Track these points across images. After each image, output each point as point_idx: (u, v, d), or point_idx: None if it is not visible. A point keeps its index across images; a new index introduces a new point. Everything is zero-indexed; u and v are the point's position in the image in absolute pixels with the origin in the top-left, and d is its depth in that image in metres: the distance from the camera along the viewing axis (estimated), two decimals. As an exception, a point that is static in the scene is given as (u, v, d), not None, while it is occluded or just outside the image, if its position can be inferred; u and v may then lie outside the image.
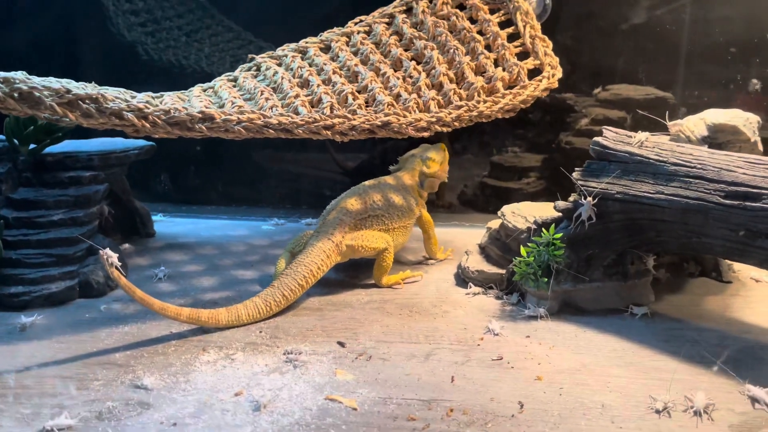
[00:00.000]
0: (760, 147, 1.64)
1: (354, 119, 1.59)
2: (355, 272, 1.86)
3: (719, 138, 1.56)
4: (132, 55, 2.67)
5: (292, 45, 1.95)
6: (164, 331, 1.47)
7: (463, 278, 1.79)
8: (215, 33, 2.88)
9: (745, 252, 1.35)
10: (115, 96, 1.37)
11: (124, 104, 1.33)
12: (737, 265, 1.81)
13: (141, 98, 1.54)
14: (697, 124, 1.58)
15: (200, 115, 1.40)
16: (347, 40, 1.95)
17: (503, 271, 1.72)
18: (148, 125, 1.36)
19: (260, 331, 1.47)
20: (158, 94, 1.73)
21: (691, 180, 1.39)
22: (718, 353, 1.36)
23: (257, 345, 1.40)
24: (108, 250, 1.30)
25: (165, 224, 2.34)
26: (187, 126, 1.40)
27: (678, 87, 2.29)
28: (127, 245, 2.06)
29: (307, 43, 1.95)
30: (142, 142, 1.98)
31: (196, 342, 1.41)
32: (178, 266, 1.90)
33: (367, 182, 1.90)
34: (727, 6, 2.16)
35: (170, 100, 1.66)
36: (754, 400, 1.17)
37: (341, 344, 1.41)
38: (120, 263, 1.33)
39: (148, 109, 1.35)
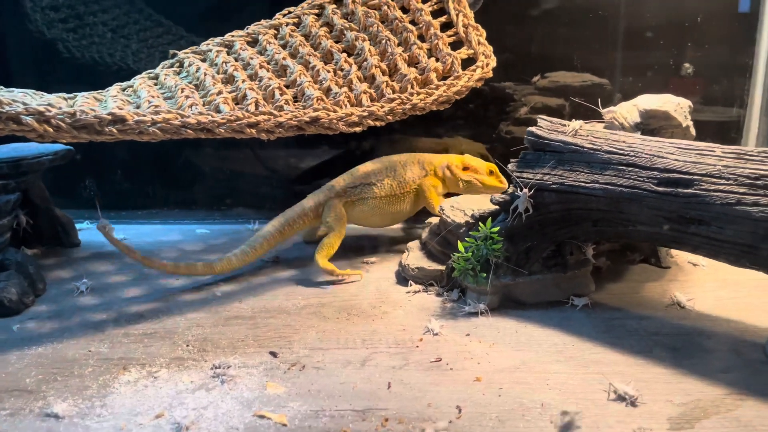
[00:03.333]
0: (693, 131, 1.64)
1: (280, 116, 1.51)
2: (293, 273, 1.79)
3: (651, 124, 1.55)
4: (52, 54, 2.51)
5: (218, 39, 1.85)
6: (82, 350, 1.37)
7: (403, 276, 1.74)
8: (143, 28, 2.74)
9: (680, 239, 1.34)
10: (13, 99, 1.26)
11: (22, 107, 1.22)
12: (675, 251, 1.81)
13: (45, 100, 1.43)
14: (630, 110, 1.57)
15: (110, 117, 1.30)
16: (275, 32, 1.86)
17: (443, 267, 1.67)
18: (51, 129, 1.25)
19: (187, 345, 1.38)
20: (72, 95, 1.62)
21: (624, 168, 1.37)
22: (656, 342, 1.35)
23: (183, 360, 1.32)
24: (104, 220, 1.51)
25: (91, 232, 2.20)
26: (95, 129, 1.29)
27: (614, 73, 2.29)
28: (41, 252, 1.94)
29: (233, 36, 1.85)
30: (57, 147, 1.85)
31: (117, 361, 1.32)
32: (102, 277, 1.79)
33: (394, 157, 1.95)
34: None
35: (82, 101, 1.55)
36: (620, 397, 1.15)
37: (273, 354, 1.34)
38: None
39: (50, 112, 1.25)
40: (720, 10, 2.14)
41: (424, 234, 1.84)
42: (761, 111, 2.15)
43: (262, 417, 1.11)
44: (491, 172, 1.93)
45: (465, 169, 1.93)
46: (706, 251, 1.31)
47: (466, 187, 1.93)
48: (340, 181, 1.89)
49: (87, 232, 2.19)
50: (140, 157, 2.40)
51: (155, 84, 1.71)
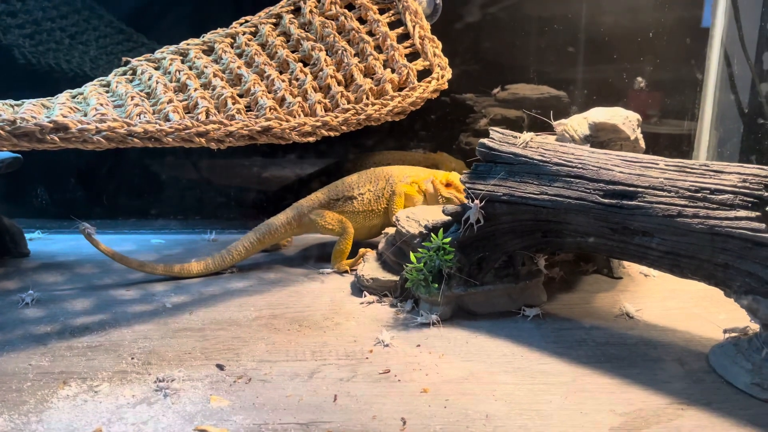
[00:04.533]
0: (642, 144, 1.67)
1: (231, 125, 1.49)
2: (248, 284, 1.77)
3: (601, 137, 1.57)
4: (7, 60, 2.45)
5: (172, 47, 1.83)
6: (23, 363, 1.33)
7: (359, 287, 1.73)
8: (103, 35, 2.70)
9: (626, 250, 1.36)
10: (-51, 106, 1.22)
11: (-42, 115, 1.19)
12: (627, 262, 1.84)
13: (-13, 107, 1.39)
14: (580, 123, 1.59)
15: (51, 125, 1.27)
16: (231, 41, 1.85)
17: (398, 278, 1.67)
18: (-11, 137, 1.22)
19: (132, 358, 1.35)
20: (19, 102, 1.58)
21: (572, 180, 1.39)
22: (603, 352, 1.37)
23: (127, 373, 1.29)
24: (86, 224, 1.64)
25: (42, 242, 2.15)
26: (36, 137, 1.26)
27: (570, 86, 2.32)
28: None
29: (188, 45, 1.83)
30: (5, 154, 1.81)
31: (57, 375, 1.28)
32: (50, 288, 1.74)
33: (378, 169, 1.98)
34: (614, 6, 2.20)
35: (30, 106, 1.52)
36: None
37: (220, 367, 1.31)
38: None
39: (-12, 119, 1.21)
40: (672, 26, 2.19)
41: (381, 244, 1.84)
42: (711, 124, 2.20)
43: (203, 431, 1.09)
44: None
45: (447, 185, 1.94)
46: (650, 262, 1.33)
47: (444, 204, 1.94)
48: (321, 195, 1.92)
49: (37, 242, 2.14)
50: (94, 165, 2.36)
51: (106, 91, 1.68)
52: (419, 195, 1.94)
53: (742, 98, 2.19)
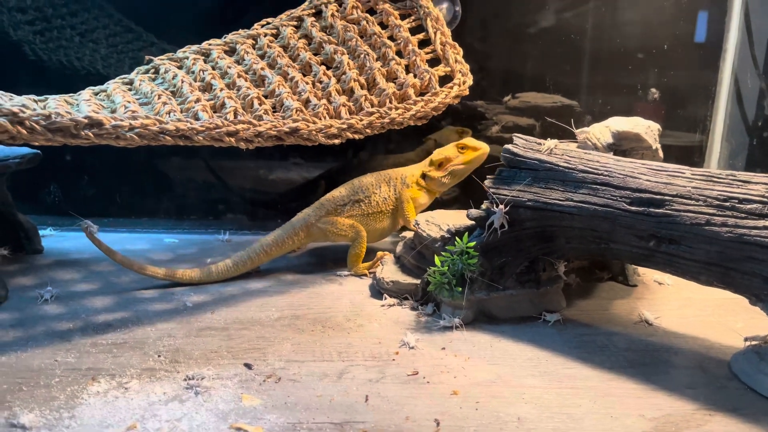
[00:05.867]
0: (661, 154, 1.70)
1: (260, 125, 1.50)
2: (267, 285, 1.78)
3: (623, 145, 1.60)
4: (18, 56, 2.45)
5: (194, 47, 1.84)
6: (48, 359, 1.32)
7: (378, 289, 1.74)
8: (113, 33, 2.70)
9: (651, 257, 1.37)
10: (-16, 100, 1.22)
11: (-5, 108, 1.19)
12: (641, 269, 1.86)
13: (18, 101, 1.39)
14: (602, 131, 1.61)
15: (86, 121, 1.27)
16: (253, 42, 1.85)
17: (418, 281, 1.68)
18: (24, 131, 1.22)
19: (159, 355, 1.35)
20: (42, 98, 1.58)
21: (598, 187, 1.41)
22: (626, 358, 1.38)
23: (155, 371, 1.29)
24: (88, 221, 1.59)
25: (55, 239, 2.14)
26: (71, 132, 1.26)
27: (583, 95, 2.35)
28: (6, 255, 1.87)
29: (210, 45, 1.84)
30: (24, 150, 1.80)
31: (85, 371, 1.28)
32: (68, 285, 1.74)
33: (389, 172, 1.98)
34: (628, 18, 2.23)
35: (55, 103, 1.52)
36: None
37: (248, 366, 1.32)
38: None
39: (24, 113, 1.21)
40: (685, 39, 2.22)
41: (399, 248, 1.85)
42: (723, 136, 2.24)
43: (238, 429, 1.09)
44: (463, 148, 1.93)
45: (440, 166, 1.94)
46: (676, 270, 1.35)
47: (453, 179, 1.95)
48: (330, 197, 1.92)
49: (51, 239, 2.13)
50: (107, 163, 2.35)
51: (129, 89, 1.69)
52: (423, 193, 1.96)
53: (750, 111, 2.23)
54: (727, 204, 1.25)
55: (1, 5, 2.50)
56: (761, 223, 1.20)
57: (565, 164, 1.47)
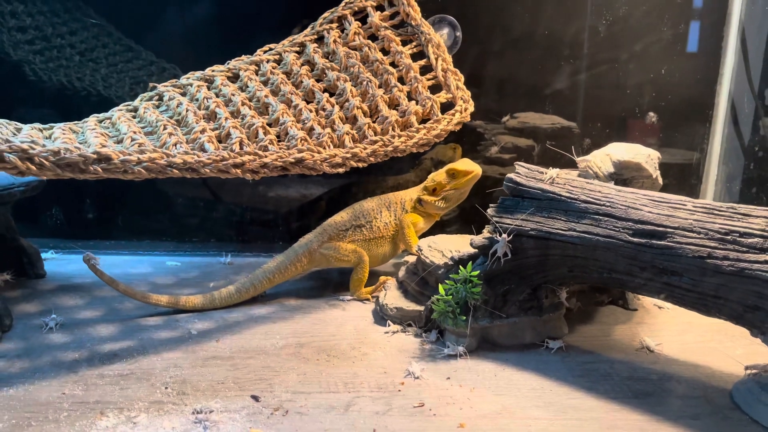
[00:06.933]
0: (660, 181, 1.72)
1: (265, 156, 1.52)
2: (271, 311, 1.78)
3: (624, 174, 1.62)
4: (18, 76, 2.45)
5: (198, 73, 1.85)
6: (56, 392, 1.33)
7: (381, 315, 1.75)
8: (113, 52, 2.71)
9: (653, 288, 1.39)
10: (-6, 135, 1.23)
11: (5, 145, 1.20)
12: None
13: (25, 135, 1.40)
14: (603, 160, 1.63)
15: (95, 156, 1.28)
16: (256, 68, 1.87)
17: (421, 308, 1.69)
18: (34, 167, 1.23)
19: (166, 387, 1.36)
20: (48, 126, 1.59)
21: (600, 218, 1.42)
22: (630, 387, 1.40)
23: (163, 404, 1.29)
24: (89, 253, 1.62)
25: (57, 262, 2.14)
26: (80, 168, 1.27)
27: (581, 117, 2.37)
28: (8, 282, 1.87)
29: (213, 71, 1.86)
30: (29, 178, 1.80)
31: (93, 404, 1.28)
32: (72, 312, 1.74)
33: (389, 196, 2.01)
34: (626, 42, 2.26)
35: (61, 133, 1.53)
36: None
37: (255, 398, 1.32)
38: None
39: (34, 150, 1.22)
40: (683, 62, 2.25)
41: (401, 272, 1.86)
42: (720, 159, 2.27)
43: (248, 466, 1.10)
44: (453, 174, 1.93)
45: (433, 191, 1.96)
46: (677, 300, 1.37)
47: (449, 203, 1.96)
48: (333, 222, 1.92)
49: (52, 262, 2.13)
50: (109, 186, 2.36)
51: (134, 117, 1.70)
52: (421, 218, 1.97)
53: (745, 133, 2.26)
54: (729, 237, 1.27)
55: (0, 26, 2.50)
56: (762, 257, 1.22)
57: (568, 194, 1.49)
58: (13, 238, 1.92)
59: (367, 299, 1.88)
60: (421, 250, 1.76)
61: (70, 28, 2.71)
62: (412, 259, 1.86)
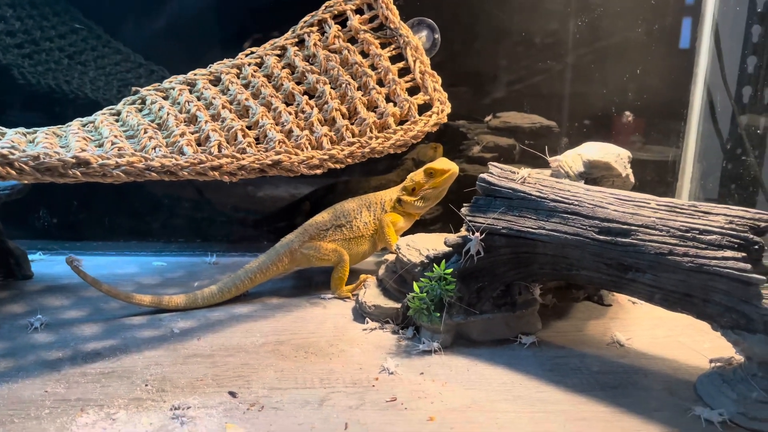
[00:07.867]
0: (632, 179, 1.76)
1: (243, 159, 1.55)
2: (252, 309, 1.82)
3: (594, 173, 1.66)
4: (7, 79, 2.48)
5: (180, 77, 1.89)
6: (38, 390, 1.36)
7: (360, 313, 1.79)
8: (101, 55, 2.74)
9: (619, 284, 1.43)
10: (-25, 141, 1.27)
11: (-14, 151, 1.23)
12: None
13: (7, 139, 1.43)
14: (575, 159, 1.68)
15: (74, 161, 1.32)
16: (238, 72, 1.91)
17: (399, 305, 1.73)
18: (14, 172, 1.27)
19: (146, 384, 1.40)
20: (32, 130, 1.63)
21: (569, 216, 1.46)
22: (598, 381, 1.44)
23: (142, 401, 1.33)
24: (72, 255, 1.66)
25: (45, 264, 2.18)
26: (59, 172, 1.31)
27: (561, 116, 2.41)
28: None
29: (195, 75, 1.89)
30: (13, 182, 1.84)
31: (74, 402, 1.32)
32: (57, 312, 1.78)
33: (369, 196, 2.05)
34: (603, 44, 2.30)
35: (44, 137, 1.56)
36: None
37: (233, 394, 1.36)
38: None
39: (14, 154, 1.26)
40: (658, 61, 2.29)
41: (381, 271, 1.90)
42: (695, 157, 2.31)
43: (222, 460, 1.14)
44: (430, 173, 1.96)
45: (412, 191, 2.00)
46: (642, 296, 1.41)
47: (428, 202, 2.00)
48: (313, 222, 1.97)
49: (40, 263, 2.16)
50: (96, 187, 2.39)
51: (117, 121, 1.73)
52: (401, 217, 2.02)
53: (722, 131, 2.30)
54: (689, 235, 1.31)
55: (-10, 29, 2.52)
56: (720, 253, 1.26)
57: (538, 193, 1.53)
58: (1, 240, 1.95)
59: (348, 297, 1.92)
60: (399, 249, 1.80)
61: (59, 31, 2.74)
62: (392, 257, 1.90)
